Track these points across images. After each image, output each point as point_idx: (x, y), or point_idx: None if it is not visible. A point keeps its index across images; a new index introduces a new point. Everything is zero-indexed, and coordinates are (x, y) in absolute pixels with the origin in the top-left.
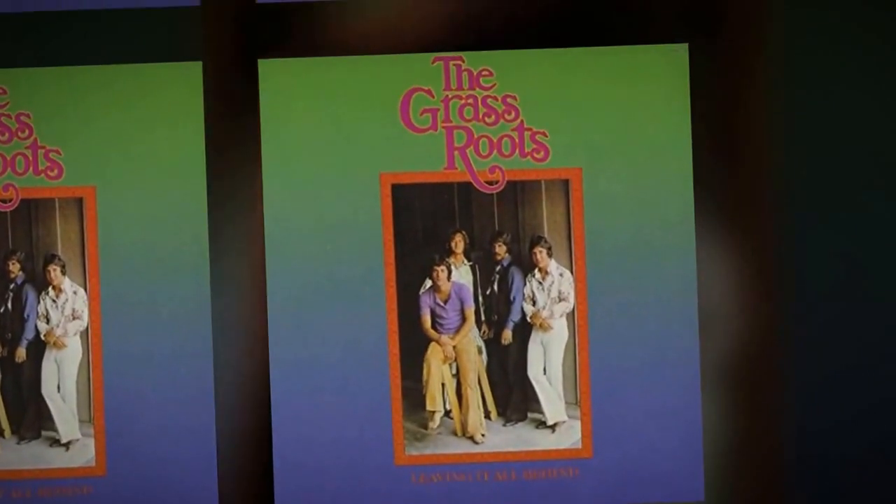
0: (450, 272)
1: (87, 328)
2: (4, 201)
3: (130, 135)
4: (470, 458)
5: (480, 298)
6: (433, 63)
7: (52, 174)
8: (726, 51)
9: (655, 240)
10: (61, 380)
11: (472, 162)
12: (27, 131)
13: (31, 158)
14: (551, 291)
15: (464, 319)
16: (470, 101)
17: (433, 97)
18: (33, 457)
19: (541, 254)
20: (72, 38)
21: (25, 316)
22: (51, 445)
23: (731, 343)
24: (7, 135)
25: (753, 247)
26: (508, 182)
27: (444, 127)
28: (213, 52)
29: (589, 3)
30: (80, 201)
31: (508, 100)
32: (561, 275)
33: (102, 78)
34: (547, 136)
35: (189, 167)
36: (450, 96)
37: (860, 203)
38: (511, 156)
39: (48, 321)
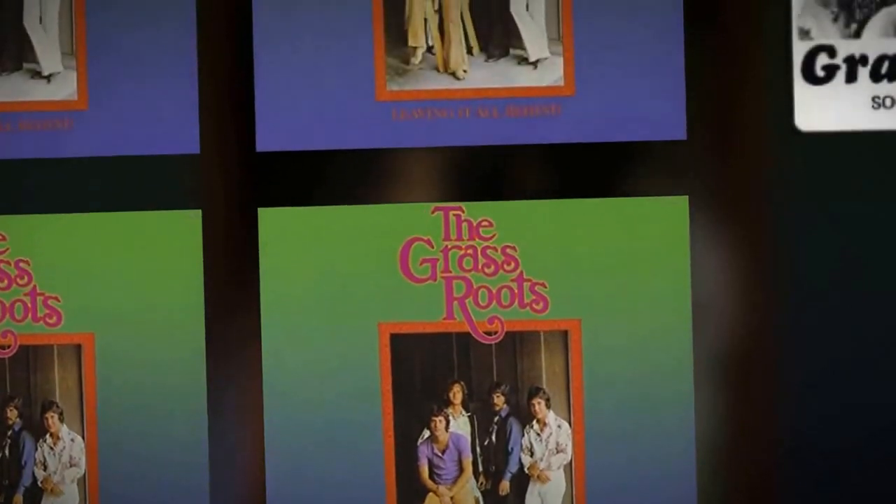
0: (448, 423)
1: (84, 475)
2: (3, 347)
3: (130, 282)
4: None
5: (478, 449)
6: (433, 213)
7: (50, 321)
8: (725, 204)
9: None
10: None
11: (471, 312)
12: (26, 278)
13: (29, 305)
14: (549, 443)
15: (461, 470)
16: (469, 251)
17: (432, 247)
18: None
19: (539, 405)
20: (72, 184)
21: (23, 463)
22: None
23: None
24: (6, 281)
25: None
26: (507, 333)
27: (443, 277)
28: (212, 200)
29: (589, 156)
30: (78, 348)
31: (508, 250)
32: (559, 426)
33: (102, 225)
34: (546, 287)
35: (188, 315)
36: (449, 246)
37: (857, 195)
38: (510, 306)
39: (45, 468)
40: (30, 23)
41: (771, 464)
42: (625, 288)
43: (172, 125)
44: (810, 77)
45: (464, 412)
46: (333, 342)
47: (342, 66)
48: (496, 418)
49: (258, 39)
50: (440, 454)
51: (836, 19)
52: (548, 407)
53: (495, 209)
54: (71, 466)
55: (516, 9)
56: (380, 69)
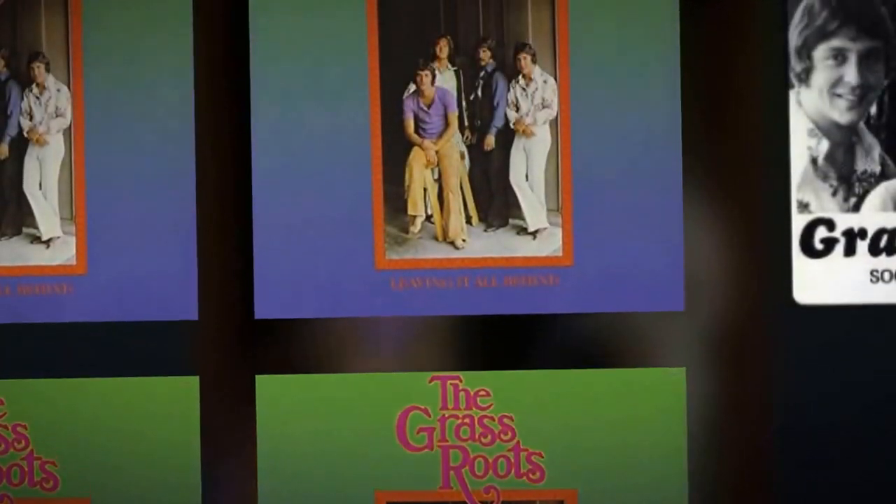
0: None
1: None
2: None
3: (127, 448)
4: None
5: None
6: (430, 382)
7: (47, 486)
8: (722, 376)
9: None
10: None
11: (467, 482)
12: (24, 442)
13: (26, 470)
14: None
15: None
16: (466, 420)
17: (429, 416)
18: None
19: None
20: (70, 349)
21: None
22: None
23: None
24: (3, 446)
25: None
26: (503, 503)
27: (439, 446)
28: (210, 366)
29: (588, 327)
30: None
31: (505, 420)
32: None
33: (100, 390)
34: (542, 457)
35: (184, 483)
36: (446, 415)
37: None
38: (506, 476)
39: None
40: (30, 188)
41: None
42: (622, 459)
43: (171, 291)
44: (809, 250)
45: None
46: None
47: (341, 233)
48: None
49: (258, 207)
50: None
51: (835, 193)
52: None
53: (493, 379)
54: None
55: (516, 179)
56: (379, 238)
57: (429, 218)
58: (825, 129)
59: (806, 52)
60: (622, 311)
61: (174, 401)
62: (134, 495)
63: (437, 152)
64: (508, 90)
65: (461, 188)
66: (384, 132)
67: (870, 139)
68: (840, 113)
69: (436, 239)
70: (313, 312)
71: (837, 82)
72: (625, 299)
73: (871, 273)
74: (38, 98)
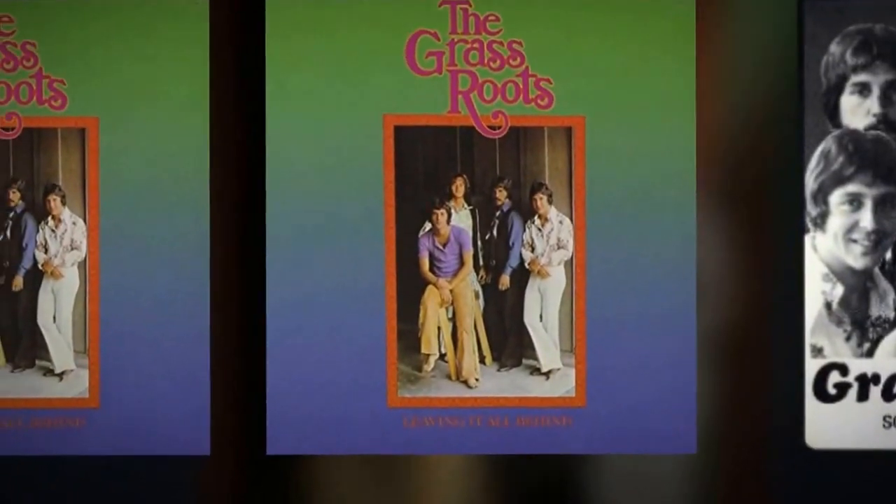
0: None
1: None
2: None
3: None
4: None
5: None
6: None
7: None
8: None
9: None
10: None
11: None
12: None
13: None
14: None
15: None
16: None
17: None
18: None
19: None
20: (82, 483)
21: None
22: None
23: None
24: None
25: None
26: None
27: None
28: (221, 501)
29: None
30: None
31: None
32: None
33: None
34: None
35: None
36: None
37: None
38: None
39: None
40: (44, 321)
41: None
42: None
43: (183, 426)
44: (822, 394)
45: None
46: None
47: (355, 370)
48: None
49: (271, 342)
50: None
51: (848, 338)
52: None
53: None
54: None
55: (530, 319)
56: (392, 375)
57: (442, 356)
58: (840, 273)
59: (822, 196)
60: (634, 452)
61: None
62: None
63: (451, 291)
64: (524, 230)
65: (475, 327)
66: (399, 270)
67: (884, 285)
68: (855, 258)
69: (449, 378)
70: (325, 449)
71: (853, 227)
72: (637, 441)
73: (885, 418)
74: (53, 231)
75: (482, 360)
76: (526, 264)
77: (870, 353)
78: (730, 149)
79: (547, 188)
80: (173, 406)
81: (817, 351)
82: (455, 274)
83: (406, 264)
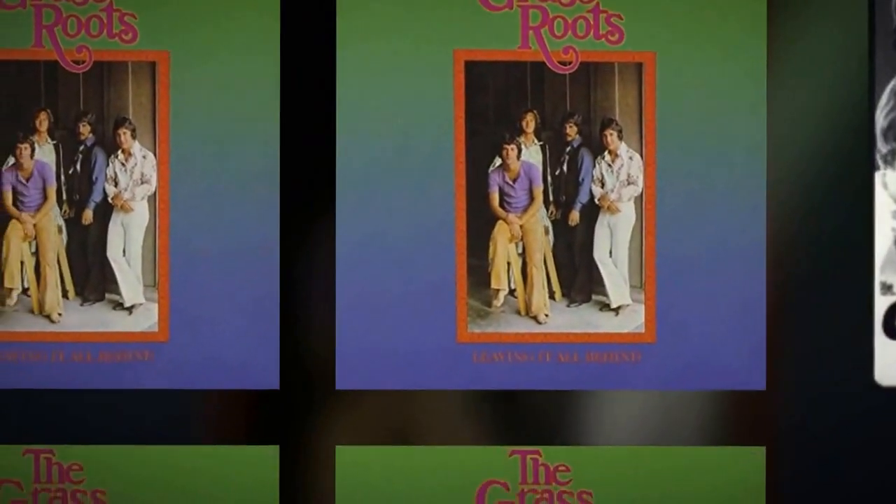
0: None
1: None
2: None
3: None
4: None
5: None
6: (510, 456)
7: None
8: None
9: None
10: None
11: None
12: None
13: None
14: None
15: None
16: (545, 495)
17: (508, 490)
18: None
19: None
20: (150, 416)
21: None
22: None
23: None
24: None
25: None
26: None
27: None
28: (290, 436)
29: (668, 404)
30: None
31: (584, 496)
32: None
33: (179, 458)
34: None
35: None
36: (525, 490)
37: None
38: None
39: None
40: (113, 254)
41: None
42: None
43: (253, 360)
44: (891, 331)
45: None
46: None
47: (424, 306)
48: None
49: (341, 278)
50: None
51: None
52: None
53: (573, 454)
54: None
55: (599, 255)
56: (462, 311)
57: (512, 292)
58: None
59: (892, 133)
60: (703, 389)
61: (253, 470)
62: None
63: (521, 226)
64: (594, 166)
65: (545, 263)
66: (469, 205)
67: None
68: None
69: (518, 313)
70: (394, 384)
71: None
72: (706, 378)
73: None
74: (123, 164)
75: (552, 296)
76: (596, 200)
77: None
78: (800, 84)
79: (617, 124)
80: (242, 340)
81: (887, 288)
82: (525, 209)
83: (476, 200)
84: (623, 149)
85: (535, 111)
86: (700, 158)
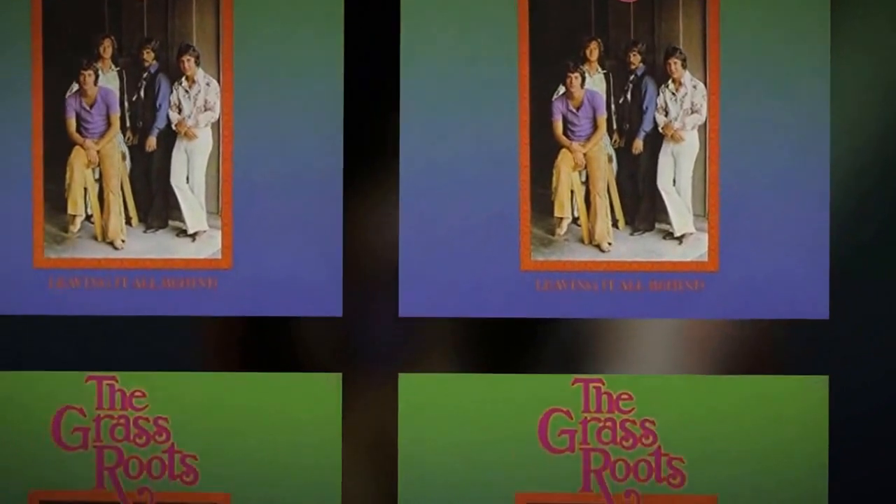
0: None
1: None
2: None
3: (268, 445)
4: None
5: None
6: (572, 384)
7: (187, 479)
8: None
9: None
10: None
11: (607, 485)
12: (164, 436)
13: (167, 463)
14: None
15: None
16: (608, 424)
17: (571, 419)
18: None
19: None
20: (213, 343)
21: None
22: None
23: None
24: (144, 439)
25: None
26: None
27: (581, 449)
28: (353, 364)
29: (732, 333)
30: None
31: (647, 424)
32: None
33: (242, 385)
34: (683, 462)
35: (325, 477)
36: (588, 418)
37: None
38: (647, 480)
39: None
40: (177, 181)
41: None
42: (763, 467)
43: (317, 287)
44: None
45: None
46: None
47: (488, 234)
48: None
49: (404, 206)
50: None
51: None
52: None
53: (635, 382)
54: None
55: (663, 184)
56: (525, 239)
57: (575, 220)
58: None
59: None
60: (767, 318)
61: (318, 397)
62: (274, 492)
63: (585, 155)
64: (658, 94)
65: (608, 191)
66: (533, 134)
67: None
68: None
69: (582, 241)
70: (457, 312)
71: None
72: (770, 306)
73: None
74: (187, 91)
75: (615, 224)
76: (659, 128)
77: None
78: (865, 13)
79: (681, 52)
80: (306, 267)
81: None
82: (588, 138)
83: (540, 128)
84: (687, 77)
85: (598, 40)
86: (764, 87)
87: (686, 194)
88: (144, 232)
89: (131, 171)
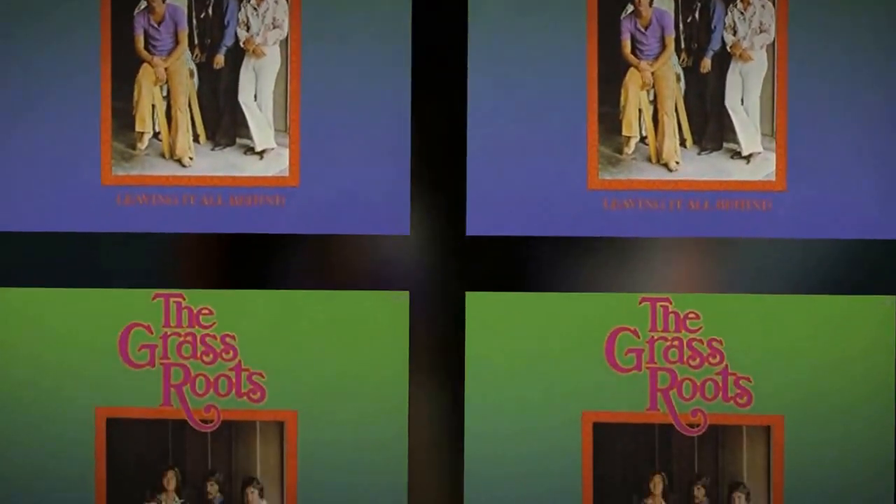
0: None
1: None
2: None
3: (335, 362)
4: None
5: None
6: (640, 303)
7: (254, 397)
8: None
9: None
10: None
11: (674, 404)
12: (232, 353)
13: (234, 381)
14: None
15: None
16: (675, 343)
17: (638, 338)
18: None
19: None
20: (281, 261)
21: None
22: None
23: None
24: (211, 356)
25: None
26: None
27: (647, 368)
28: (420, 282)
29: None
30: (281, 425)
31: (714, 343)
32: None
33: (309, 303)
34: (750, 382)
35: (392, 394)
36: (655, 337)
37: None
38: (714, 400)
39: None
40: (245, 99)
41: None
42: (830, 386)
43: (384, 206)
44: None
45: None
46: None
47: (555, 153)
48: None
49: (472, 124)
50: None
51: None
52: None
53: (703, 301)
54: (274, 28)
55: (731, 103)
56: (592, 157)
57: (643, 139)
58: None
59: None
60: (836, 238)
61: (384, 315)
62: (341, 410)
63: (653, 74)
64: (726, 14)
65: (676, 110)
66: (601, 53)
67: None
68: None
69: (649, 160)
70: (525, 230)
71: None
72: (837, 226)
73: None
74: (255, 9)
75: (682, 143)
76: (727, 47)
77: None
78: None
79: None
80: (374, 185)
81: None
82: (657, 57)
83: (608, 47)
84: None
85: None
86: (832, 5)
87: (754, 113)
88: (212, 149)
89: (199, 88)
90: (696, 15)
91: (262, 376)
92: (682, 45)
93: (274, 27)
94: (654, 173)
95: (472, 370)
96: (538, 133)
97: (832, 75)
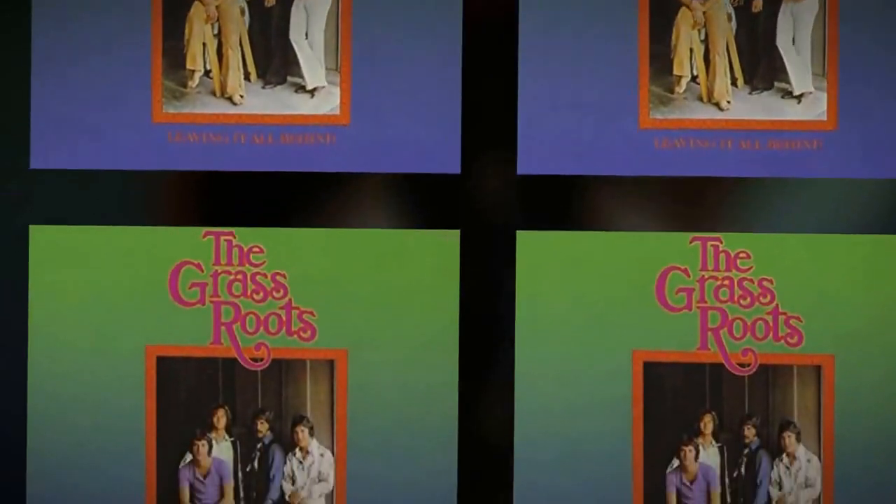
0: None
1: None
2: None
3: (386, 300)
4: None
5: None
6: (691, 243)
7: (304, 335)
8: None
9: None
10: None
11: (724, 344)
12: (282, 291)
13: (284, 319)
14: None
15: None
16: (726, 282)
17: (689, 277)
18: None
19: None
20: (332, 199)
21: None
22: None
23: None
24: (262, 294)
25: None
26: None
27: (698, 307)
28: (471, 221)
29: (845, 192)
30: (331, 364)
31: (764, 283)
32: None
33: (360, 241)
34: (801, 321)
35: (443, 333)
36: (706, 276)
37: None
38: (764, 339)
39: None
40: (296, 37)
41: None
42: (879, 325)
43: (435, 144)
44: None
45: None
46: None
47: (605, 92)
48: None
49: (523, 64)
50: None
51: None
52: None
53: (753, 241)
54: (319, 482)
55: (782, 42)
56: (644, 97)
57: (694, 78)
58: None
59: None
60: (886, 177)
61: (434, 254)
62: (391, 348)
63: (704, 13)
64: None
65: (727, 50)
66: None
67: None
68: None
69: (700, 100)
70: (576, 169)
71: None
72: (888, 165)
73: None
74: None
75: (734, 83)
76: None
77: None
78: None
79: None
80: (425, 124)
81: None
82: None
83: None
84: None
85: None
86: None
87: (805, 53)
88: (263, 87)
89: (250, 26)
90: None
91: (313, 315)
92: None
93: None
94: (706, 113)
95: (523, 309)
96: (590, 72)
97: (883, 14)
